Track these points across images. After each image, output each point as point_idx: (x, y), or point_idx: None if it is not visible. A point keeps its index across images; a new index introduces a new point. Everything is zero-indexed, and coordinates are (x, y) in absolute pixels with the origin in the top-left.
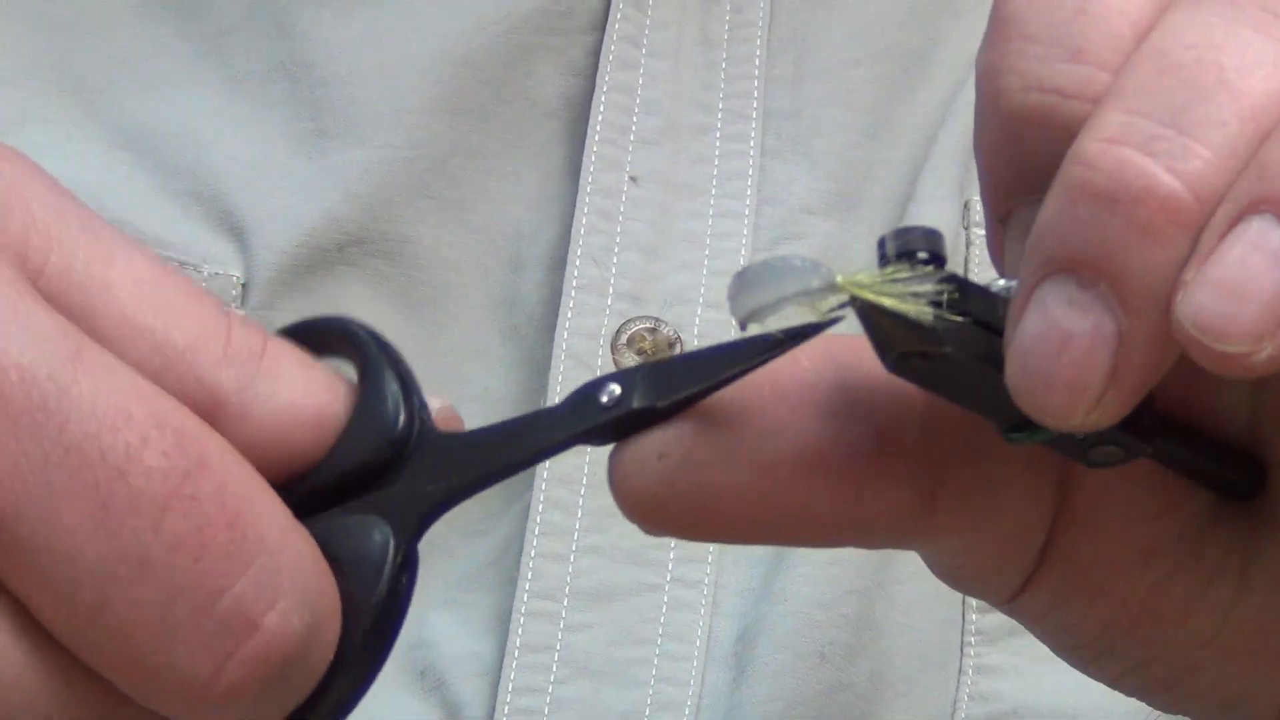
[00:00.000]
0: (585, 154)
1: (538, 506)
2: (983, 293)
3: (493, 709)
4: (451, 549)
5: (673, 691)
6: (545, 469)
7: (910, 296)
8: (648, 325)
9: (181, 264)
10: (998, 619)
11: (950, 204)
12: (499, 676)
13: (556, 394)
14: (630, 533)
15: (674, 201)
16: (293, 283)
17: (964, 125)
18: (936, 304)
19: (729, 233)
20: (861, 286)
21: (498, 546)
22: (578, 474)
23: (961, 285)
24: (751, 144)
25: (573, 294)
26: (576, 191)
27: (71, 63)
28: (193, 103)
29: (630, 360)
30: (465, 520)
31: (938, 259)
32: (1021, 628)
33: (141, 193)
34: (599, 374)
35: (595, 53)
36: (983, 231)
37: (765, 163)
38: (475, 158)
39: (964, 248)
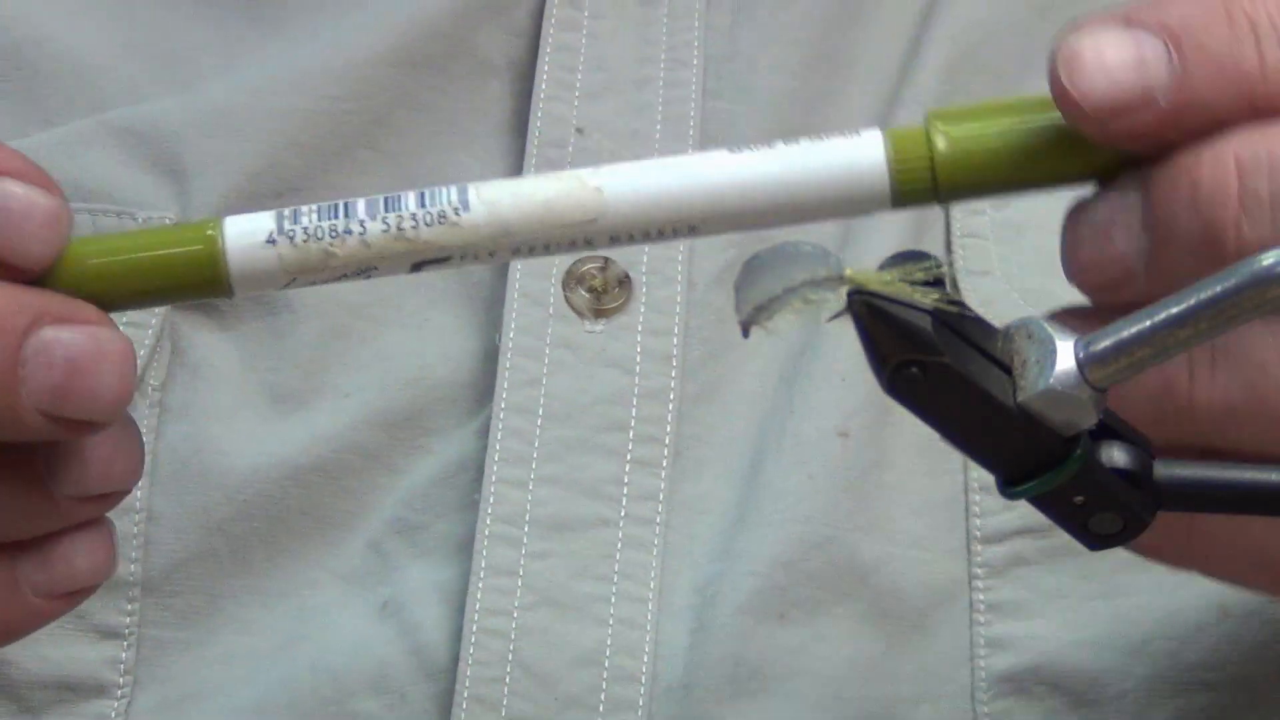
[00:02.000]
0: (531, 111)
1: (497, 433)
2: (981, 322)
3: (456, 634)
4: (395, 464)
5: (632, 635)
6: (503, 397)
7: (909, 300)
8: (597, 264)
9: (118, 214)
10: (1003, 550)
11: None
12: (462, 602)
13: (510, 329)
14: (585, 464)
15: (620, 149)
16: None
17: (933, 78)
18: (935, 317)
19: None
20: (865, 279)
21: (447, 467)
22: (533, 404)
23: (961, 309)
24: (693, 89)
25: None
26: (524, 144)
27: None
28: (143, 42)
29: (581, 298)
30: (408, 434)
31: (938, 282)
32: (1027, 559)
33: (84, 131)
34: (551, 310)
35: (538, 14)
36: None
37: (707, 104)
38: (419, 111)
39: None
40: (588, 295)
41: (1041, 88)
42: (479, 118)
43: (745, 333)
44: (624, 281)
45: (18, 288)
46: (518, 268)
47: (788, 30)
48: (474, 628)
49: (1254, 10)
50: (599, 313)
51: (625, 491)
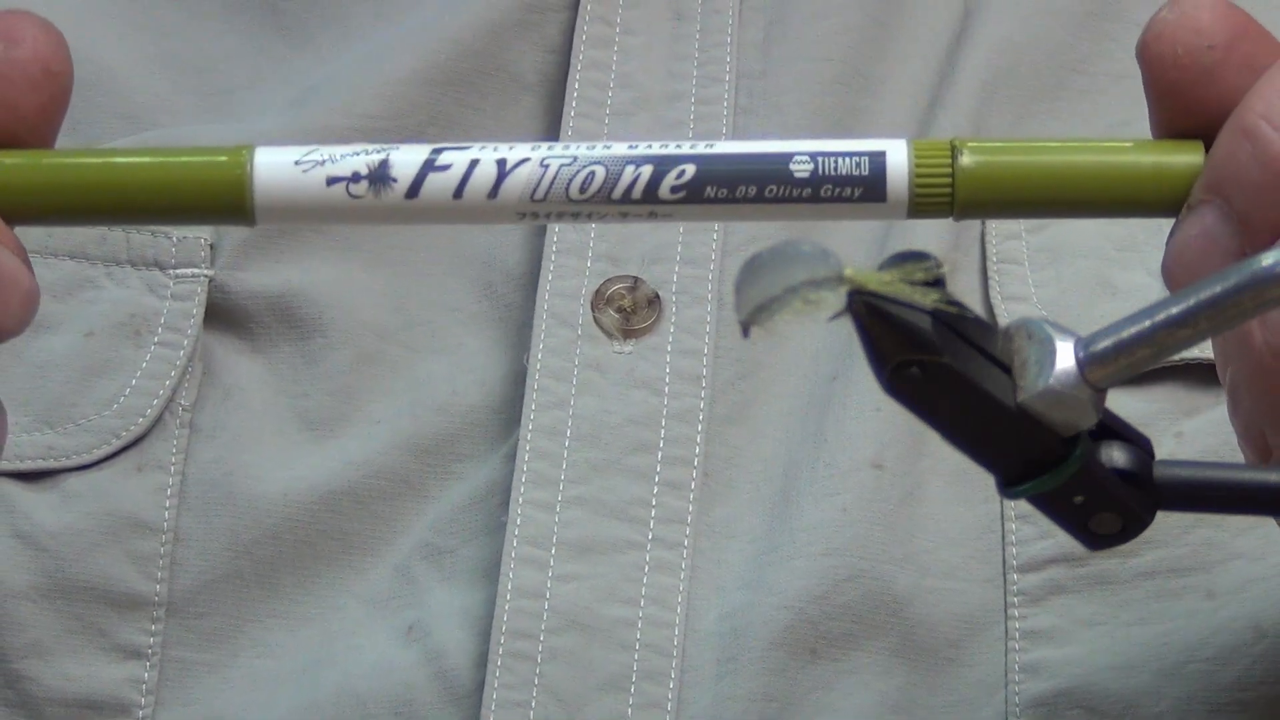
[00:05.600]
0: (562, 127)
1: (524, 455)
2: (980, 322)
3: (481, 659)
4: (425, 490)
5: (658, 661)
6: (530, 419)
7: (909, 300)
8: (626, 284)
9: (153, 233)
10: (1039, 578)
11: None
12: (488, 627)
13: (539, 351)
14: (613, 486)
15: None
16: (263, 245)
17: (968, 92)
18: (935, 317)
19: None
20: (865, 279)
21: (476, 492)
22: (561, 426)
23: (961, 310)
24: (724, 105)
25: (553, 257)
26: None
27: None
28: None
29: (610, 318)
30: (439, 460)
31: (938, 283)
32: (1064, 587)
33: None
34: (579, 332)
35: (570, 30)
36: None
37: (738, 120)
38: (451, 127)
39: (977, 224)
40: (617, 316)
41: (1078, 107)
42: (511, 133)
43: (745, 332)
44: (653, 301)
45: None
46: (547, 288)
47: (819, 46)
48: (500, 650)
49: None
50: (628, 333)
51: (653, 514)
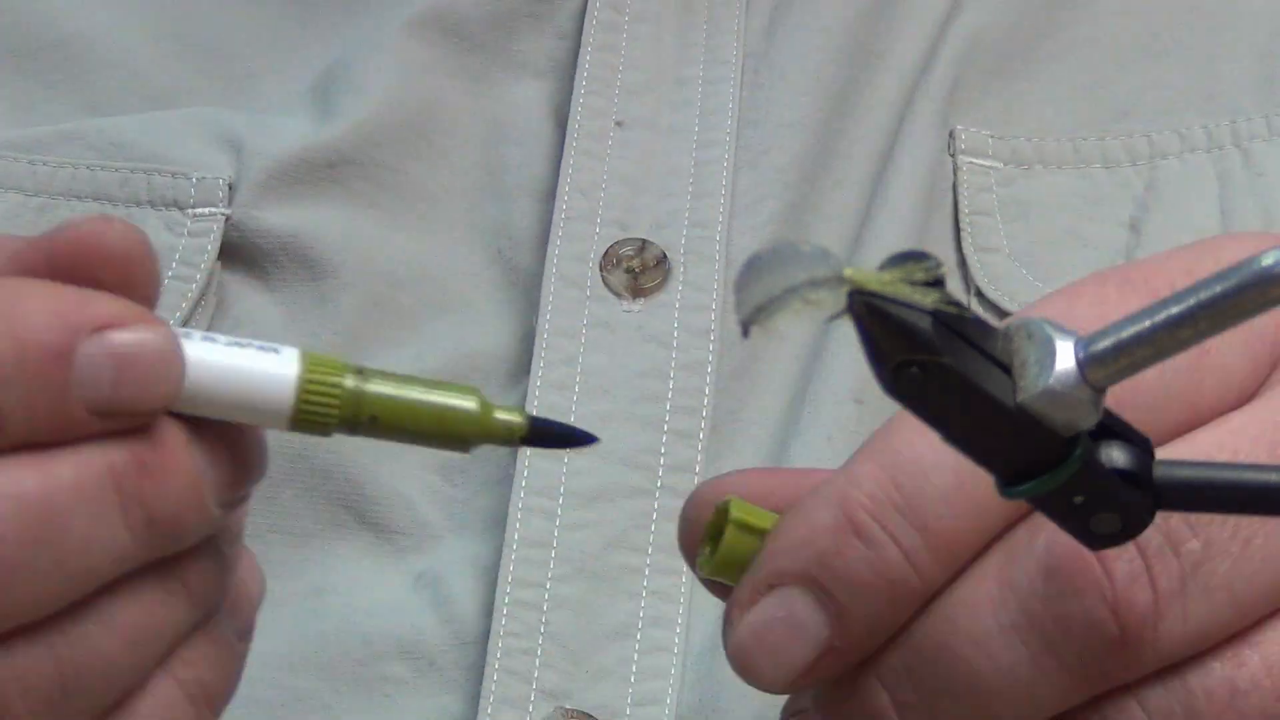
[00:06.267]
0: (572, 104)
1: (532, 408)
2: (981, 322)
3: (489, 608)
4: None
5: (665, 607)
6: (539, 375)
7: (909, 299)
8: (634, 245)
9: (174, 175)
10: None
11: (935, 134)
12: (496, 574)
13: (547, 310)
14: (622, 435)
15: (659, 141)
16: (281, 190)
17: (949, 56)
18: (935, 317)
19: (711, 159)
20: (865, 280)
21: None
22: (570, 380)
23: (961, 310)
24: (731, 84)
25: (562, 223)
26: (564, 134)
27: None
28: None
29: (619, 278)
30: None
31: (938, 283)
32: None
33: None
34: (588, 292)
35: (580, 16)
36: (970, 159)
37: (745, 94)
38: (463, 109)
39: (950, 174)
40: (625, 276)
41: (1045, 83)
42: (523, 111)
43: (745, 332)
44: (661, 261)
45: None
46: (556, 251)
47: (821, 22)
48: (506, 599)
49: (877, 512)
50: (637, 292)
51: (662, 462)
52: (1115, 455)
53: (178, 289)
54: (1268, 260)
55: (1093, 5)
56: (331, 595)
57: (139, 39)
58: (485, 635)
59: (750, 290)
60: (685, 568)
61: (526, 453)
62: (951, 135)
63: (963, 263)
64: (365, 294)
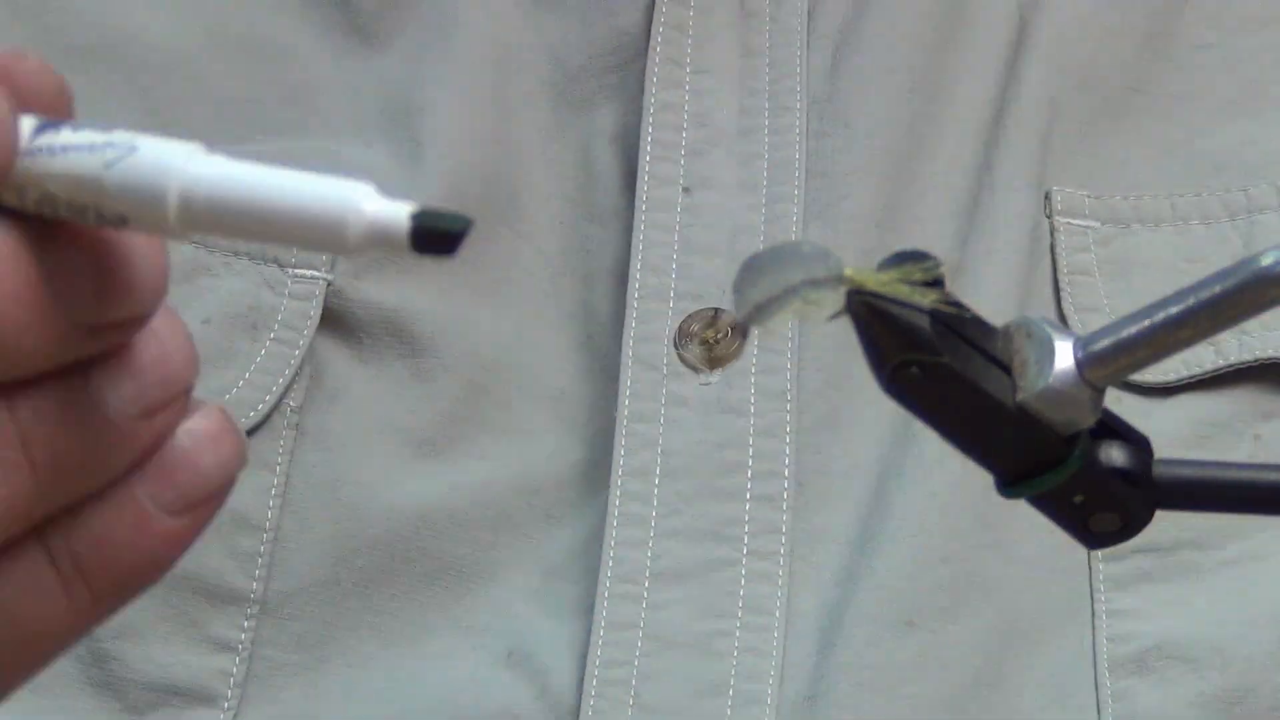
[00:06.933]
0: (639, 173)
1: (615, 499)
2: (980, 322)
3: (580, 682)
4: (531, 533)
5: (756, 661)
6: (620, 464)
7: (908, 300)
8: (707, 317)
9: (279, 264)
10: (1124, 567)
11: (1028, 194)
12: (584, 649)
13: (625, 399)
14: (705, 512)
15: (727, 200)
16: (383, 259)
17: (1034, 106)
18: (934, 318)
19: (781, 215)
20: (865, 280)
21: (580, 539)
22: (650, 466)
23: (960, 309)
24: (797, 133)
25: (635, 304)
26: (633, 203)
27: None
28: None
29: (695, 353)
30: (542, 504)
31: (937, 283)
32: (1153, 573)
33: None
34: (664, 371)
35: (640, 71)
36: (1068, 220)
37: (811, 144)
38: (544, 191)
39: (1047, 236)
40: (700, 349)
41: (1141, 124)
42: (599, 183)
43: (744, 332)
44: (736, 329)
45: None
46: (631, 334)
47: (885, 60)
48: (594, 680)
49: None
50: (713, 363)
51: (747, 530)
52: (1114, 454)
53: (280, 354)
54: (1266, 260)
55: (1182, 59)
56: (419, 685)
57: (200, 43)
58: (578, 708)
59: (749, 290)
60: (778, 623)
61: (611, 543)
62: (1047, 197)
63: (1063, 321)
64: (464, 378)
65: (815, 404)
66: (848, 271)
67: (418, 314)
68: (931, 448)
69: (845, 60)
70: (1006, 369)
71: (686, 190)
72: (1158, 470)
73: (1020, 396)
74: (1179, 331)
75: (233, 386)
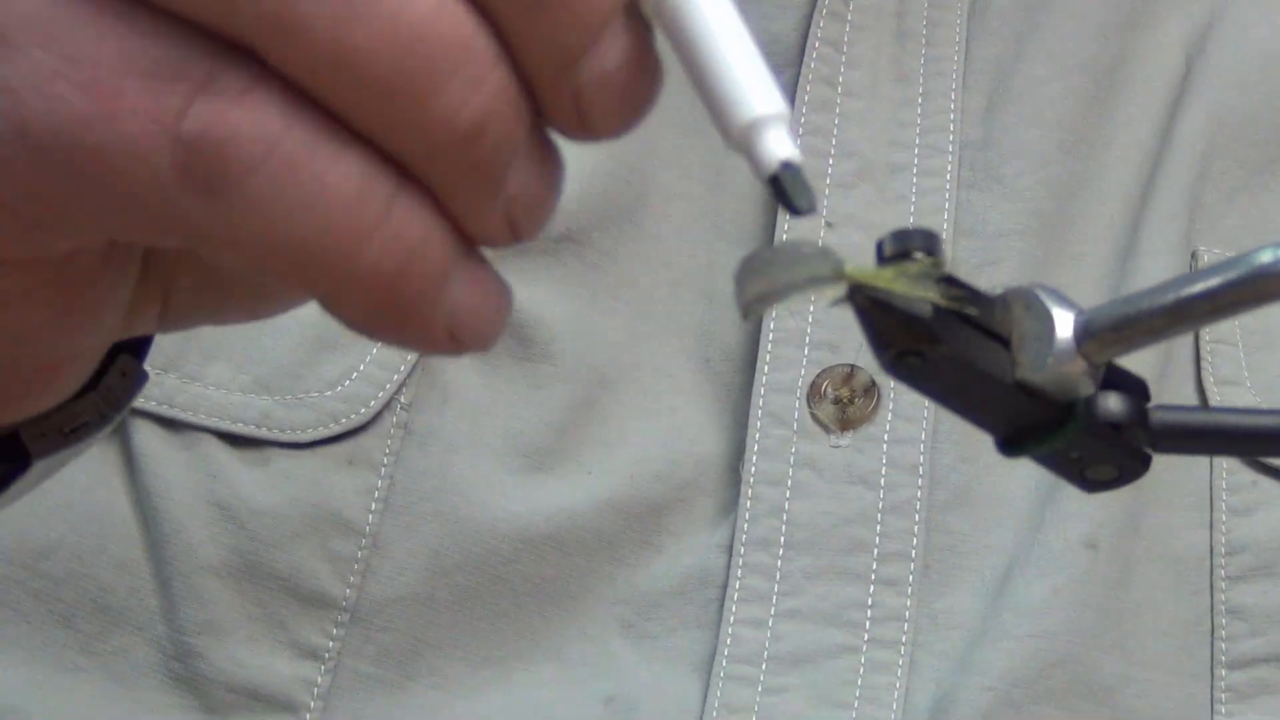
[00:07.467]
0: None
1: (736, 575)
2: (981, 297)
3: None
4: (622, 554)
5: None
6: (744, 530)
7: (909, 296)
8: (842, 373)
9: None
10: (1247, 676)
11: (1175, 255)
12: (690, 706)
13: (754, 452)
14: (828, 593)
15: (871, 240)
16: (507, 258)
17: (1188, 163)
18: (935, 305)
19: None
20: (865, 277)
21: (686, 580)
22: (775, 535)
23: (960, 288)
24: (948, 178)
25: (769, 348)
26: (774, 227)
27: None
28: None
29: (826, 411)
30: (642, 529)
31: (939, 280)
32: (1272, 686)
33: None
34: (795, 429)
35: (791, 85)
36: None
37: (961, 195)
38: (675, 198)
39: None
40: (833, 408)
41: None
42: (734, 202)
43: (744, 318)
44: (870, 389)
45: None
46: (763, 382)
47: (1042, 113)
48: None
49: None
50: (845, 424)
51: (869, 615)
52: (1111, 405)
53: (393, 354)
54: (1265, 257)
55: None
56: (508, 705)
57: None
58: None
59: (750, 282)
60: (895, 715)
61: (730, 620)
62: (1194, 256)
63: (1202, 397)
64: (576, 391)
65: (948, 479)
66: (849, 269)
67: (539, 318)
68: (1057, 535)
69: (1001, 107)
70: (1005, 341)
71: (829, 225)
72: (1154, 416)
73: (1019, 373)
74: (1178, 320)
75: (347, 377)
